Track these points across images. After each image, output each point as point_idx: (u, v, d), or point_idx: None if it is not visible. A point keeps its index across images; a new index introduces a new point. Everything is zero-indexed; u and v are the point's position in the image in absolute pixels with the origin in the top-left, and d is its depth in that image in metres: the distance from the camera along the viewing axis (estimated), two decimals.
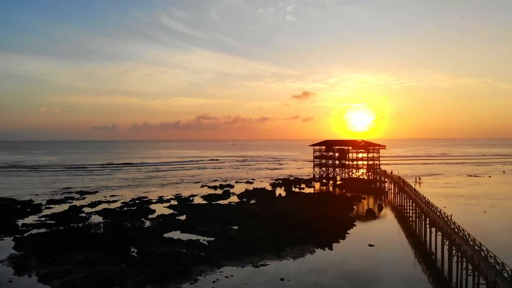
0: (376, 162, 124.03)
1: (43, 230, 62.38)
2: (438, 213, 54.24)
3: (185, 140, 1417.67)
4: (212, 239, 54.04)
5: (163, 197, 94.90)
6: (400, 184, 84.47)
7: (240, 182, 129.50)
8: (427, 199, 62.99)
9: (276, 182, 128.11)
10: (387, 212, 77.51)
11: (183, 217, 70.17)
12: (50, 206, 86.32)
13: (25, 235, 58.75)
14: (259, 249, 48.59)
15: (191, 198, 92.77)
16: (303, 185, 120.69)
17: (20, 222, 68.58)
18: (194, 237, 55.58)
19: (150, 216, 71.94)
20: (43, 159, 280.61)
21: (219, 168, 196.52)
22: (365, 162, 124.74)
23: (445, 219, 49.80)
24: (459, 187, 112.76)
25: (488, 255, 35.24)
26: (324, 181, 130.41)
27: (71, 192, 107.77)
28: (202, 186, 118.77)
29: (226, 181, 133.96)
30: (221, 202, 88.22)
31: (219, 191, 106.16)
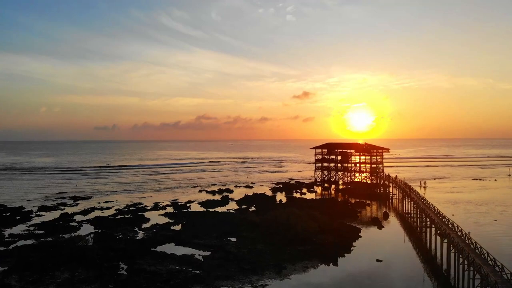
0: (379, 165, 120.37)
1: (30, 241, 58.90)
2: (450, 225, 50.72)
3: (185, 140, 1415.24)
4: (208, 253, 50.37)
5: (159, 204, 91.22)
6: (407, 190, 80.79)
7: (239, 187, 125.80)
8: (437, 209, 59.23)
9: (277, 186, 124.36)
10: (393, 221, 73.78)
11: (178, 227, 66.52)
12: (41, 213, 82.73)
13: (10, 247, 55.23)
14: (259, 266, 44.91)
15: (187, 205, 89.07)
16: (304, 190, 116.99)
17: (7, 232, 65.09)
18: (188, 251, 51.90)
19: (143, 226, 68.28)
20: (40, 161, 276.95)
21: (219, 170, 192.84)
22: (368, 166, 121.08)
23: (459, 234, 46.16)
24: (465, 192, 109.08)
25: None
26: (326, 185, 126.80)
27: (64, 198, 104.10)
28: (200, 191, 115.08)
29: (225, 185, 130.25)
30: (219, 209, 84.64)
31: (217, 197, 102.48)
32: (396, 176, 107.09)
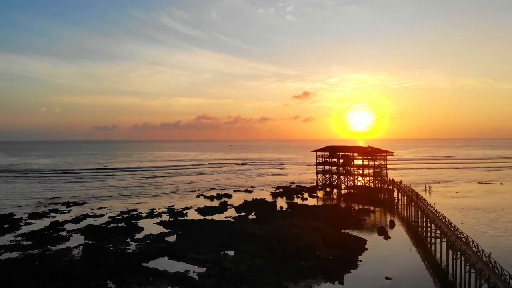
0: (383, 169, 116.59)
1: (16, 254, 55.40)
2: (463, 238, 47.22)
3: (185, 140, 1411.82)
4: (204, 270, 46.71)
5: (154, 211, 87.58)
6: (413, 197, 77.12)
7: (238, 191, 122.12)
8: (448, 220, 55.55)
9: (277, 191, 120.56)
10: (400, 230, 70.06)
11: (173, 238, 62.86)
12: (31, 221, 79.11)
13: None
14: (258, 285, 41.29)
15: (184, 212, 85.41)
16: (305, 194, 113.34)
17: None
18: (183, 267, 48.25)
19: (136, 236, 64.62)
20: (37, 163, 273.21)
21: (218, 173, 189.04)
22: (371, 170, 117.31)
23: (474, 250, 42.56)
24: (472, 197, 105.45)
25: None
26: (327, 189, 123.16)
27: (57, 203, 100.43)
28: (198, 196, 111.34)
29: (223, 189, 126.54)
30: (217, 216, 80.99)
31: (215, 203, 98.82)
32: (401, 181, 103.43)
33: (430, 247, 58.46)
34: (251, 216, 79.94)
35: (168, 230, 68.38)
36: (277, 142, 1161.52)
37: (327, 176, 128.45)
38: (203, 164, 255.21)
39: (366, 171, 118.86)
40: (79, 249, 57.23)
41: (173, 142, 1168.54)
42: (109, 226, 72.05)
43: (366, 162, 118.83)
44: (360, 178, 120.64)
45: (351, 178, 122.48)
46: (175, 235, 64.32)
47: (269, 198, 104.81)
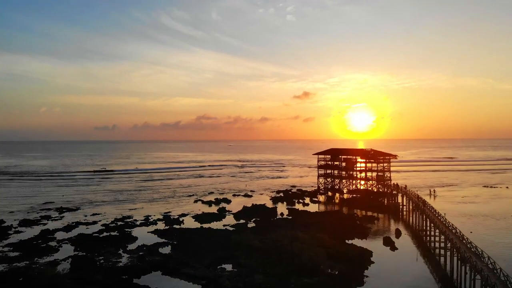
0: (386, 173, 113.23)
1: (1, 267, 52.15)
2: (473, 249, 44.04)
3: (185, 140, 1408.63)
4: None
5: (150, 217, 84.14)
6: (420, 205, 73.72)
7: (238, 196, 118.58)
8: (460, 232, 52.16)
9: (277, 195, 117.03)
10: (407, 240, 66.60)
11: (168, 249, 59.47)
12: (20, 229, 75.70)
13: None
14: None
15: (181, 219, 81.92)
16: (307, 199, 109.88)
17: None
18: (176, 284, 44.90)
19: (129, 247, 61.17)
20: (34, 164, 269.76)
21: (217, 176, 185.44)
22: (374, 174, 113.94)
23: (490, 267, 39.22)
24: (479, 203, 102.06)
25: None
26: (329, 193, 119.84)
27: (50, 209, 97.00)
28: (196, 201, 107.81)
29: (222, 193, 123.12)
30: (215, 224, 77.59)
31: (213, 208, 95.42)
32: (406, 186, 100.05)
33: (439, 260, 55.16)
34: (250, 224, 76.54)
35: (163, 240, 65.01)
36: (277, 142, 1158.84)
37: (329, 179, 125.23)
38: (202, 166, 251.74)
39: (369, 175, 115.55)
40: (68, 262, 53.91)
41: (173, 142, 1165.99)
42: (101, 236, 68.64)
43: (369, 166, 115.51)
44: (362, 182, 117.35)
45: (354, 182, 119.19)
46: (170, 246, 60.95)
47: (269, 204, 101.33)
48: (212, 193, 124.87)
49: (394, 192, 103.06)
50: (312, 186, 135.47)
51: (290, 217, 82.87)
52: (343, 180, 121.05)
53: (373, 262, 53.01)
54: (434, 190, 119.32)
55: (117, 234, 69.69)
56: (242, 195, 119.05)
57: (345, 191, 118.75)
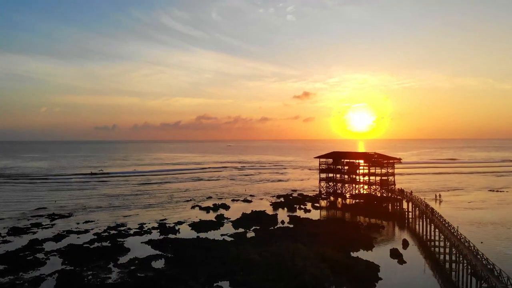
0: (390, 178, 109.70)
1: None
2: (488, 265, 40.53)
3: (185, 140, 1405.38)
4: None
5: (144, 226, 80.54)
6: (428, 213, 70.13)
7: (237, 201, 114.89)
8: (474, 247, 48.58)
9: (278, 201, 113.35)
10: (415, 252, 62.88)
11: (161, 263, 55.81)
12: (8, 239, 72.14)
13: None
14: None
15: (176, 228, 78.28)
16: (308, 205, 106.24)
17: None
18: None
19: (120, 260, 57.50)
20: (30, 166, 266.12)
21: (216, 179, 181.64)
22: (378, 178, 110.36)
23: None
24: (486, 208, 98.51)
25: None
26: (331, 198, 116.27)
27: (42, 216, 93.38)
28: (193, 207, 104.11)
29: (221, 198, 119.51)
30: (212, 233, 73.96)
31: (211, 215, 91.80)
32: (411, 192, 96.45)
33: (450, 274, 51.63)
34: (250, 234, 72.84)
35: (157, 252, 61.37)
36: (277, 142, 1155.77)
37: (330, 184, 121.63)
38: (201, 168, 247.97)
39: (372, 179, 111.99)
40: (54, 277, 50.32)
41: (173, 142, 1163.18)
42: (92, 246, 65.03)
43: (372, 170, 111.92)
44: (366, 187, 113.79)
45: (357, 186, 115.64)
46: (163, 260, 57.29)
47: (269, 210, 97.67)
48: (210, 197, 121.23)
49: (398, 197, 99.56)
50: (314, 190, 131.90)
51: (291, 226, 79.26)
52: (346, 185, 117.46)
53: (380, 279, 49.40)
54: (440, 195, 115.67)
55: (109, 244, 66.06)
56: (241, 200, 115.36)
57: (347, 196, 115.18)
